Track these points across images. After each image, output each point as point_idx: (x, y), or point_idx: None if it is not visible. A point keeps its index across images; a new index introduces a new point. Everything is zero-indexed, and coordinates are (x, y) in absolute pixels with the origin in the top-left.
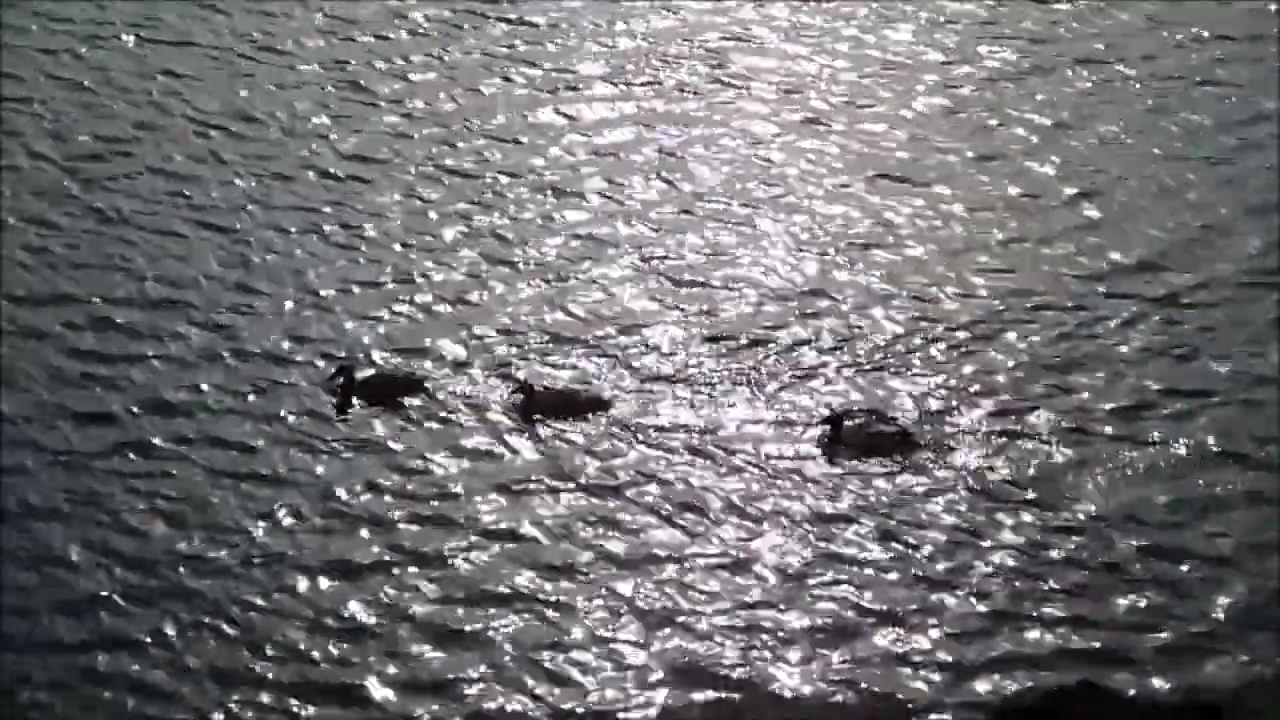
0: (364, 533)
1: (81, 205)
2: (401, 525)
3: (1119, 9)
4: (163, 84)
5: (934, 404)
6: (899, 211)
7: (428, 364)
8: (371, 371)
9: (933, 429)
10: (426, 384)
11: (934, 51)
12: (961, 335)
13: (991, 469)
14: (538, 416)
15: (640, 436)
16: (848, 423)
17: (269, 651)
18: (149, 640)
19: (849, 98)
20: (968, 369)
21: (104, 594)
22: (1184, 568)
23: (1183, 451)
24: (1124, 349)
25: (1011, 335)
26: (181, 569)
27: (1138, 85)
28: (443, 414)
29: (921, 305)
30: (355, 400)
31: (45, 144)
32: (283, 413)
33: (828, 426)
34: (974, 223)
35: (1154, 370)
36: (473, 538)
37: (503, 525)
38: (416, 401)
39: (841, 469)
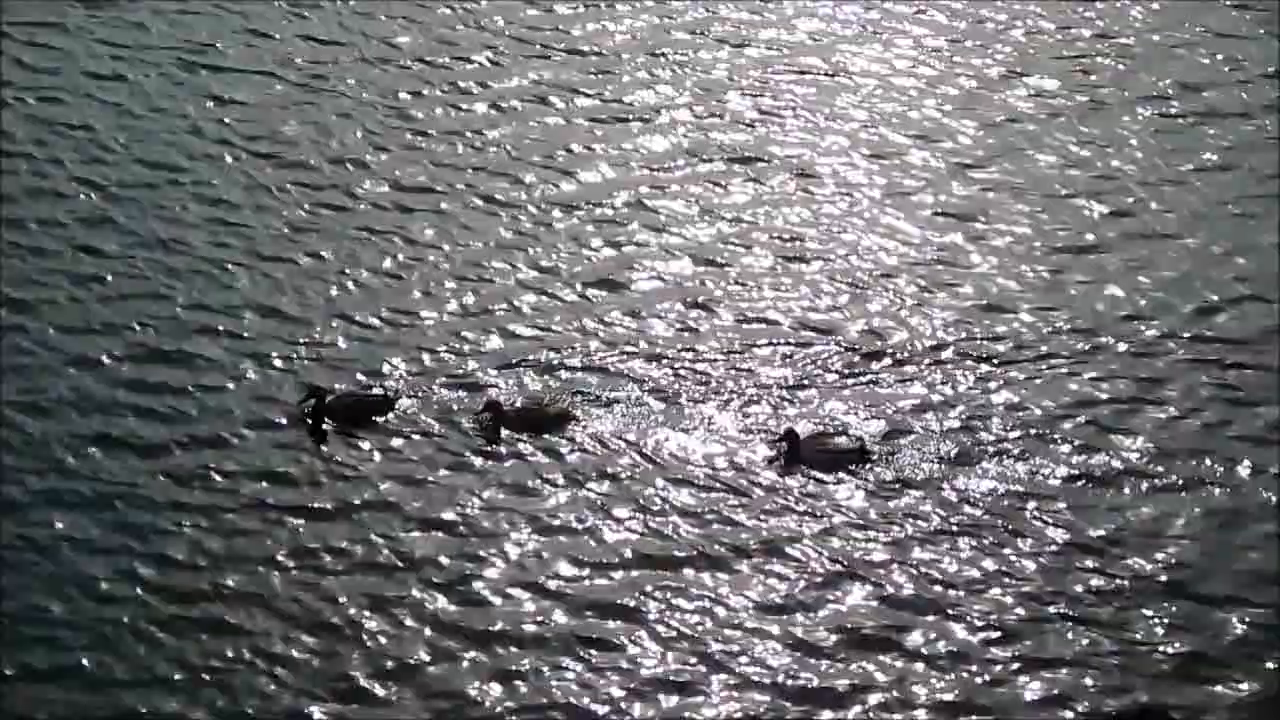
0: (396, 568)
1: (125, 232)
2: (432, 557)
3: (1187, 44)
4: (209, 110)
5: (894, 420)
6: (926, 242)
7: (450, 389)
8: (342, 392)
9: (891, 444)
10: (396, 404)
11: (989, 82)
12: (937, 356)
13: (949, 483)
14: (506, 433)
15: (604, 450)
16: (804, 438)
17: (302, 687)
18: (178, 674)
19: (897, 130)
20: (934, 387)
21: (135, 625)
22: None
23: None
24: (1103, 367)
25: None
26: (213, 601)
27: (1202, 123)
28: (414, 433)
29: (902, 326)
30: (326, 422)
31: (89, 169)
32: (319, 443)
33: (784, 443)
34: (1001, 252)
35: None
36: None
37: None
38: (393, 421)
39: (799, 484)
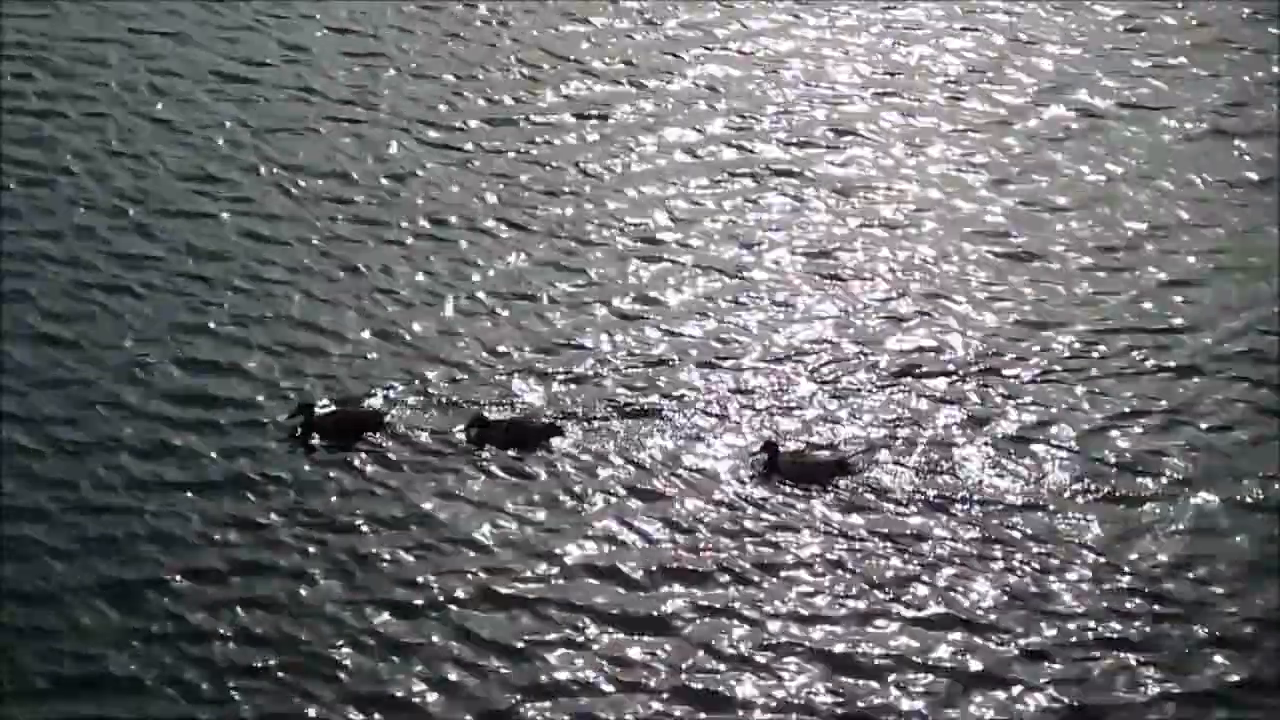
0: (423, 615)
1: (159, 264)
2: (468, 609)
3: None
4: (246, 130)
5: (872, 434)
6: (940, 259)
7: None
8: (331, 408)
9: (869, 456)
10: (385, 419)
11: (1027, 96)
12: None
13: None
14: (490, 447)
15: (590, 465)
16: (783, 450)
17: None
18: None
19: (931, 165)
20: (909, 400)
21: (160, 675)
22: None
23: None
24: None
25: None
26: (235, 642)
27: (1245, 139)
28: (404, 449)
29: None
30: (315, 437)
31: (121, 198)
32: (355, 486)
33: (764, 455)
34: (991, 265)
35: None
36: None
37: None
38: (385, 439)
39: (784, 496)
